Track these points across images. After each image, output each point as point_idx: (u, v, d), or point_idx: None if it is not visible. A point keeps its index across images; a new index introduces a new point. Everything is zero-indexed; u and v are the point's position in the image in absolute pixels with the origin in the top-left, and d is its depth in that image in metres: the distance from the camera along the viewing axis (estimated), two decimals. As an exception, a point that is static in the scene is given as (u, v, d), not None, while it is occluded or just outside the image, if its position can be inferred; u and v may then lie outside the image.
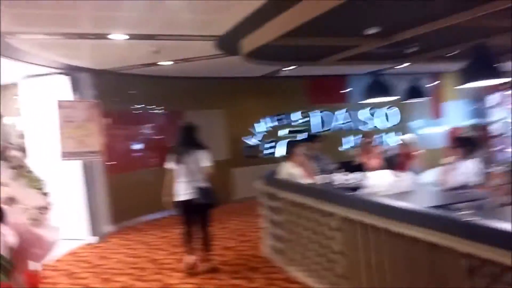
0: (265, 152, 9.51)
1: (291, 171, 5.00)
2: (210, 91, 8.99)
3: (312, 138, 6.57)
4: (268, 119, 9.55)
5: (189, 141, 4.78)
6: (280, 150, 9.54)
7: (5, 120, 8.61)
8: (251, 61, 6.06)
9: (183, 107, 8.71)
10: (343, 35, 5.07)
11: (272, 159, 9.46)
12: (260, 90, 9.38)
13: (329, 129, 9.91)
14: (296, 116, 9.74)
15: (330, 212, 3.60)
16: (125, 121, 7.99)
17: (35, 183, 2.18)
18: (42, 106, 6.77)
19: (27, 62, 6.00)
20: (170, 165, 4.77)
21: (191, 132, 4.88)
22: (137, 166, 8.07)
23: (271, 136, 9.57)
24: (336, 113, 10.00)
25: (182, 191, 4.68)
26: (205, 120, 8.72)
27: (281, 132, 9.64)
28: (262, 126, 9.51)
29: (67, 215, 6.86)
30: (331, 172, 6.17)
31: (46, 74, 6.93)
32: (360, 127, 10.11)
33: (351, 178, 5.78)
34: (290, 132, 9.67)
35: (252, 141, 9.42)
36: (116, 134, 7.79)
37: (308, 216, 4.01)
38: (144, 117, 8.42)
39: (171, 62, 6.78)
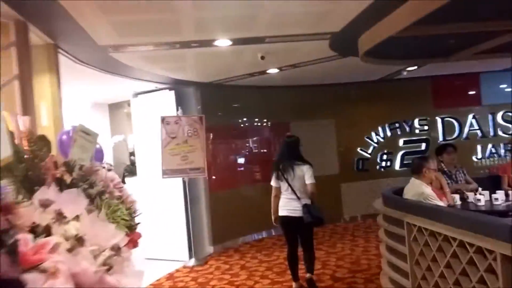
0: (381, 165, 8.49)
1: (423, 190, 4.03)
2: (320, 99, 8.29)
3: (442, 148, 5.46)
4: (385, 127, 8.52)
5: (291, 156, 4.58)
6: (398, 162, 8.48)
7: (116, 138, 8.88)
8: (370, 61, 5.23)
9: (290, 118, 8.15)
10: (492, 18, 4.02)
11: (388, 173, 8.44)
12: (375, 96, 8.42)
13: (455, 138, 8.55)
14: (416, 123, 8.55)
15: (482, 247, 2.63)
16: (228, 135, 7.61)
17: (119, 213, 1.63)
18: (150, 123, 6.66)
19: (134, 78, 5.90)
20: (273, 181, 4.67)
21: (293, 146, 4.65)
22: (240, 182, 7.61)
23: (388, 146, 8.51)
24: (464, 118, 8.59)
25: (286, 208, 4.53)
26: (313, 132, 8.16)
27: (400, 142, 8.52)
28: (378, 135, 8.50)
29: (167, 236, 6.67)
30: (470, 190, 5.07)
31: (154, 90, 6.86)
32: (492, 134, 8.57)
33: (499, 198, 4.64)
34: (409, 141, 8.53)
35: (367, 152, 8.46)
36: (220, 149, 7.46)
37: (447, 249, 3.05)
38: (248, 131, 7.98)
39: (277, 70, 6.23)
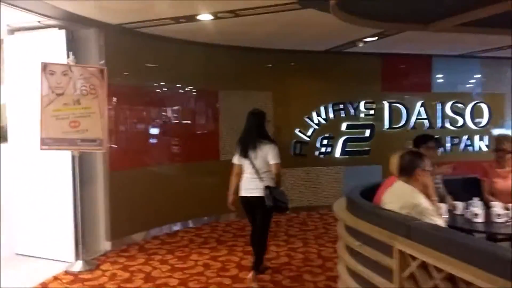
0: (320, 150, 7.36)
1: (419, 201, 2.83)
2: (257, 66, 6.89)
3: (421, 140, 4.31)
4: (328, 107, 7.36)
5: (256, 132, 4.17)
6: (339, 148, 7.42)
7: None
8: (341, 16, 3.92)
9: (220, 85, 6.66)
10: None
11: (328, 161, 7.35)
12: (321, 70, 7.22)
13: (401, 126, 7.68)
14: (362, 107, 7.52)
15: None
16: (140, 99, 5.90)
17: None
18: (29, 71, 4.78)
19: (7, 4, 3.99)
20: (235, 158, 4.28)
21: (258, 121, 4.23)
22: (152, 160, 6.00)
23: (329, 130, 7.39)
24: (412, 105, 7.73)
25: (247, 187, 4.16)
26: (245, 104, 6.76)
27: (343, 126, 7.44)
28: (319, 116, 7.33)
29: (47, 226, 4.96)
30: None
31: (37, 28, 4.95)
32: (439, 125, 7.86)
33: (500, 213, 3.62)
34: (352, 126, 7.48)
35: (306, 135, 7.27)
36: (127, 116, 5.74)
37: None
38: (166, 96, 6.32)
39: (211, 17, 4.68)
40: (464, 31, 4.61)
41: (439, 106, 7.85)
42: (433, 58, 7.76)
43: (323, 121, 7.31)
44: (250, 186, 4.10)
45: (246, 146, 4.12)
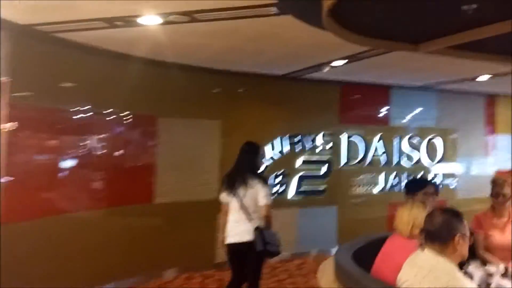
0: (273, 190, 6.38)
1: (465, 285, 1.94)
2: (204, 89, 5.83)
3: (419, 185, 3.51)
4: (284, 140, 6.44)
5: (247, 168, 3.85)
6: (293, 188, 6.50)
7: None
8: (332, 29, 3.03)
9: (158, 111, 5.48)
10: None
11: (280, 202, 6.36)
12: (277, 96, 6.33)
13: (358, 162, 7.00)
14: (320, 140, 6.71)
15: None
16: (53, 126, 4.49)
17: None
18: None
19: None
20: (222, 196, 3.92)
21: (252, 156, 3.94)
22: (65, 206, 4.54)
23: (283, 165, 6.46)
24: (370, 139, 7.11)
25: (233, 232, 3.78)
26: (189, 135, 5.70)
27: (298, 162, 6.56)
28: (274, 150, 6.38)
29: None
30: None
31: None
32: (396, 161, 7.31)
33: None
34: (308, 162, 6.63)
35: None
36: (33, 146, 4.28)
37: None
38: (90, 123, 4.93)
39: (159, 19, 3.57)
40: (457, 55, 3.97)
41: (396, 141, 7.31)
42: (391, 90, 7.25)
43: (277, 156, 6.37)
44: (239, 229, 3.76)
45: (234, 182, 3.81)
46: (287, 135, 6.41)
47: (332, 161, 6.76)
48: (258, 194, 3.76)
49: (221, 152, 5.87)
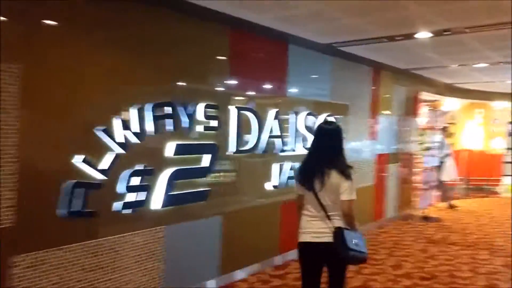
0: (125, 199, 3.53)
1: None
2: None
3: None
4: (143, 111, 3.57)
5: (327, 154, 2.95)
6: (161, 194, 3.78)
7: None
8: None
9: None
10: None
11: (137, 221, 3.64)
12: (133, 38, 3.50)
13: (250, 149, 4.70)
14: (201, 113, 4.10)
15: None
16: None
17: None
18: None
19: None
20: (296, 187, 3.07)
21: (334, 139, 2.99)
22: None
23: (143, 156, 3.65)
24: (264, 115, 4.87)
25: (308, 229, 2.99)
26: None
27: (170, 148, 3.84)
28: (127, 127, 3.50)
29: None
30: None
31: None
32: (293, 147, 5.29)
33: None
34: (185, 148, 3.96)
35: (97, 168, 3.30)
36: None
37: None
38: None
39: None
40: None
41: (292, 119, 5.27)
42: (289, 45, 5.15)
43: (133, 139, 3.52)
44: (313, 228, 2.95)
45: (312, 174, 2.91)
46: (152, 104, 3.63)
47: (219, 146, 4.28)
48: (341, 187, 2.88)
49: (19, 125, 2.79)
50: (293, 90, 5.31)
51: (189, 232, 4.11)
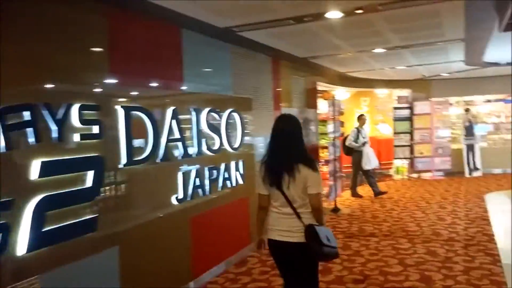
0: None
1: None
2: None
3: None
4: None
5: (289, 149, 2.86)
6: (26, 229, 2.71)
7: None
8: None
9: None
10: None
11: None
12: None
13: (145, 158, 3.79)
14: (75, 116, 3.08)
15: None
16: None
17: None
18: None
19: None
20: (259, 186, 2.95)
21: (292, 133, 2.90)
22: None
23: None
24: (160, 115, 3.99)
25: (277, 228, 2.89)
26: None
27: (33, 168, 2.77)
28: None
29: None
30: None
31: None
32: (196, 151, 4.49)
33: None
34: (56, 166, 2.92)
35: None
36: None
37: None
38: None
39: None
40: None
41: (193, 117, 4.47)
42: (183, 30, 4.33)
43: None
44: (282, 226, 2.84)
45: (277, 170, 2.82)
46: None
47: (105, 158, 3.30)
48: (307, 181, 2.81)
49: None
50: (191, 84, 4.51)
51: (76, 276, 3.09)
